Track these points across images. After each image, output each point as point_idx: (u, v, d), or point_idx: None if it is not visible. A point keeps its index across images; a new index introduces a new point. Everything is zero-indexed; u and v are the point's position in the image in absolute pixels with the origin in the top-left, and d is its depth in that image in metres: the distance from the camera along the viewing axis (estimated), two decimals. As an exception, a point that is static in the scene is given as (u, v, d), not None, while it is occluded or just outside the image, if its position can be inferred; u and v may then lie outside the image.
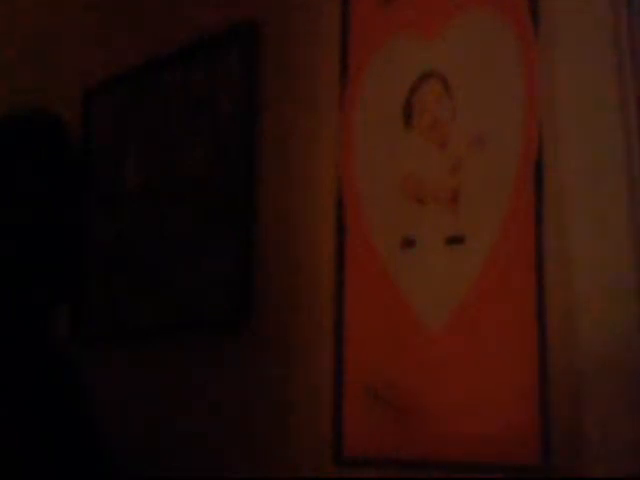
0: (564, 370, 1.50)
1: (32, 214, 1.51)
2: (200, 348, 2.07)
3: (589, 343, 1.48)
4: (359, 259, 1.81)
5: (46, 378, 1.56)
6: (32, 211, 1.51)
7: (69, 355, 1.69)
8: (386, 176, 1.80)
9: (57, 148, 1.56)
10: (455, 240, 1.67)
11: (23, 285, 1.55)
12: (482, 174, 1.66)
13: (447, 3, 1.75)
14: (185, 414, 2.07)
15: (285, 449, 1.87)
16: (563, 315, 1.52)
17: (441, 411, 1.65)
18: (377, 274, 1.78)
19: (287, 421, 1.88)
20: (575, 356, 1.49)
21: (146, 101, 2.32)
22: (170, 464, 2.04)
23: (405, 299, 1.73)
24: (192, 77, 2.21)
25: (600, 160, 1.51)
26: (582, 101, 1.54)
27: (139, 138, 2.33)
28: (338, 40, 1.91)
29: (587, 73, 1.54)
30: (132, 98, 2.36)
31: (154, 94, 2.31)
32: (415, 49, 1.79)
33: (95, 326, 2.35)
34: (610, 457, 1.43)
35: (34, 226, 1.52)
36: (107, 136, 2.41)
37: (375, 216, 1.81)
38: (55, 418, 1.52)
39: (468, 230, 1.66)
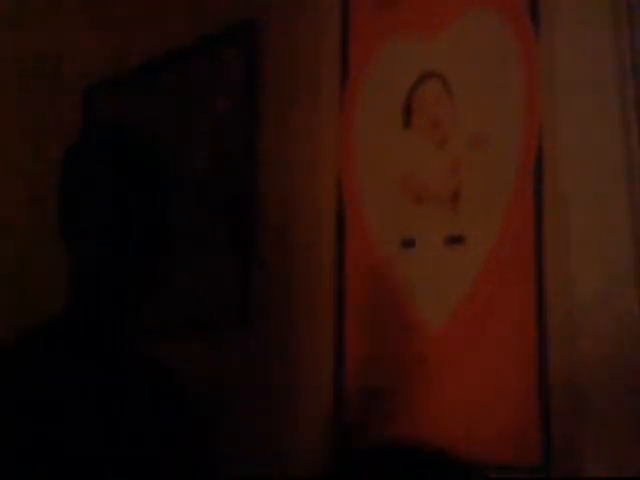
0: (564, 370, 1.50)
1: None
2: (200, 348, 2.07)
3: (589, 343, 1.48)
4: (359, 259, 1.81)
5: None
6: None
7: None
8: (386, 176, 1.80)
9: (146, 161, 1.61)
10: (455, 240, 1.67)
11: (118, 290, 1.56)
12: (482, 174, 1.66)
13: (447, 3, 1.75)
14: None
15: (285, 448, 1.87)
16: (563, 315, 1.52)
17: (441, 411, 1.65)
18: (377, 274, 1.78)
19: (287, 420, 1.88)
20: (575, 356, 1.49)
21: (146, 101, 2.32)
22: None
23: (405, 299, 1.73)
24: (192, 77, 2.21)
25: (600, 160, 1.51)
26: (582, 101, 1.54)
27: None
28: (338, 40, 1.91)
29: (587, 73, 1.54)
30: (132, 98, 2.36)
31: (154, 94, 2.31)
32: (415, 49, 1.79)
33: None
34: (610, 457, 1.43)
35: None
36: (107, 136, 2.41)
37: (375, 216, 1.81)
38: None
39: (468, 230, 1.66)
